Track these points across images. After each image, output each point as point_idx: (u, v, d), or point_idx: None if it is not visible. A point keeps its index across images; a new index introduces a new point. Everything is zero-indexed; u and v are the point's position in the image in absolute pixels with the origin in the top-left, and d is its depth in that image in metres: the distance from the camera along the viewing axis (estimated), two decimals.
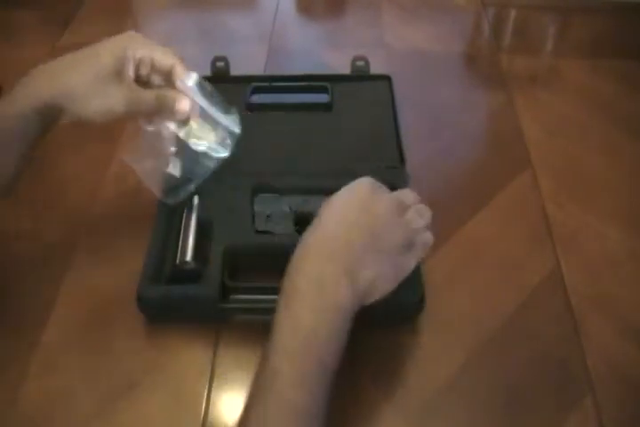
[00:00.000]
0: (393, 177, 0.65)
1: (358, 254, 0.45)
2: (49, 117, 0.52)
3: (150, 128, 0.55)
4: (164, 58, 0.53)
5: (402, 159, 0.69)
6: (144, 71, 0.53)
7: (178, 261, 0.58)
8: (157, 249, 0.59)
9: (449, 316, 0.59)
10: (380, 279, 0.46)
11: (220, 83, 0.80)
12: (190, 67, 0.55)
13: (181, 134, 0.56)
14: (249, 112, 0.76)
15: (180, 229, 0.61)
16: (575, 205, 0.70)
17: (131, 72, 0.52)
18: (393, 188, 0.64)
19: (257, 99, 0.78)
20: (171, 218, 0.62)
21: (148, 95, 0.53)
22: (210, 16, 1.06)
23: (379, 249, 0.46)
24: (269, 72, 0.90)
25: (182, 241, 0.60)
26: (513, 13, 1.08)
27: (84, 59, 0.52)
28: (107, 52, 0.52)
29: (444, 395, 0.53)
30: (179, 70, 0.53)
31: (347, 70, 0.84)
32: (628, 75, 0.90)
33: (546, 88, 0.89)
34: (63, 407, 0.52)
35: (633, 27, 1.01)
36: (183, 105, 0.53)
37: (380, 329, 0.57)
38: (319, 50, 0.96)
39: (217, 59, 0.82)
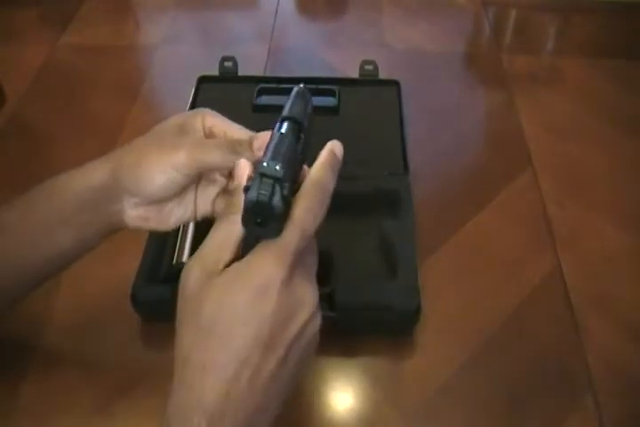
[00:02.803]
0: (395, 184, 0.65)
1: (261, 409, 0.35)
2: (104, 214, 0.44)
3: None
4: (239, 133, 0.44)
5: (406, 167, 0.68)
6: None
7: (174, 261, 0.58)
8: (155, 249, 0.59)
9: (449, 315, 0.59)
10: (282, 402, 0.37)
11: (228, 83, 0.81)
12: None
13: None
14: (254, 113, 0.76)
15: (179, 229, 0.61)
16: (575, 205, 0.70)
17: (198, 124, 0.44)
18: (395, 195, 0.65)
19: (263, 100, 0.77)
20: None
21: (214, 140, 0.43)
22: (210, 16, 1.06)
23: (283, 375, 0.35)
24: (270, 72, 0.90)
25: (180, 241, 0.60)
26: (513, 13, 1.08)
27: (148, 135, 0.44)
28: (169, 121, 0.44)
29: (443, 395, 0.53)
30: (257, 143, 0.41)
31: (347, 70, 0.84)
32: (628, 74, 0.90)
33: (546, 88, 0.89)
34: (62, 408, 0.52)
35: (633, 26, 1.01)
36: (262, 140, 0.40)
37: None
38: (319, 50, 0.96)
39: (225, 59, 0.82)
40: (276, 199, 0.33)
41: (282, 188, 0.34)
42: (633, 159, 0.77)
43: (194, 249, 0.59)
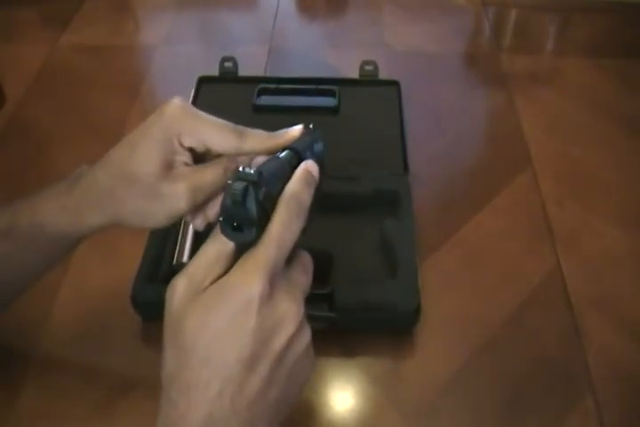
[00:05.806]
0: (395, 184, 0.65)
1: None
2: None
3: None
4: (221, 142, 0.40)
5: (406, 167, 0.68)
6: (202, 152, 0.42)
7: (174, 261, 0.58)
8: (155, 249, 0.59)
9: (449, 315, 0.59)
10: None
11: (228, 83, 0.81)
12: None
13: None
14: (254, 113, 0.76)
15: (179, 230, 0.61)
16: (575, 205, 0.70)
17: (178, 163, 0.41)
18: (395, 195, 0.65)
19: (263, 100, 0.78)
20: None
21: (210, 175, 0.40)
22: (210, 16, 1.06)
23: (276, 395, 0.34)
24: (270, 72, 0.90)
25: (180, 242, 0.60)
26: (513, 13, 1.08)
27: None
28: (145, 156, 0.40)
29: (444, 395, 0.53)
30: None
31: (347, 70, 0.84)
32: (628, 74, 0.90)
33: (546, 87, 0.89)
34: (62, 408, 0.52)
35: (633, 26, 1.01)
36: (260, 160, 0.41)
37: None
38: (319, 50, 0.96)
39: (225, 59, 0.82)
40: (250, 200, 0.33)
41: (256, 191, 0.33)
42: (633, 159, 0.77)
43: (194, 249, 0.59)
